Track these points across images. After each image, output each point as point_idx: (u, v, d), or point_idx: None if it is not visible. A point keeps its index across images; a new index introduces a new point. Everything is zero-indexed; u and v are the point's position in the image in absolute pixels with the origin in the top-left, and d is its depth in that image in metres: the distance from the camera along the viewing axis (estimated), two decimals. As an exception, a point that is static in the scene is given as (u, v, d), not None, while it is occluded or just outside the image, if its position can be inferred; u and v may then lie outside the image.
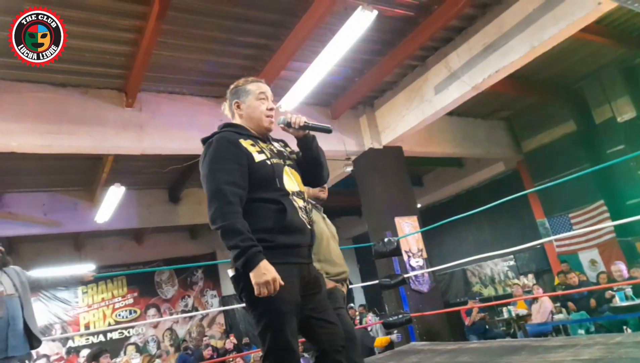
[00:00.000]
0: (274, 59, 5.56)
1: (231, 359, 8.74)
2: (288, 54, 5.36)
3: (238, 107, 1.98)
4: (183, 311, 11.46)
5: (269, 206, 1.77)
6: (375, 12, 4.46)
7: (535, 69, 7.14)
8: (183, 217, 9.50)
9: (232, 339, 9.45)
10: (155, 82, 5.81)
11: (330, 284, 2.52)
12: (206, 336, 10.85)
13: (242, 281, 1.69)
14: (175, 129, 6.03)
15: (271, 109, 1.97)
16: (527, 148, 9.34)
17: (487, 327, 8.06)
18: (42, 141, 5.19)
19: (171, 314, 11.33)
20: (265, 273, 1.61)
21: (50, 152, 5.45)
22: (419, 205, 8.53)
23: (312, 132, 2.04)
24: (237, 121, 1.99)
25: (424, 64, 6.54)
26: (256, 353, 8.79)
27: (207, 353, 8.80)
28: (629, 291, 6.25)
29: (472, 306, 7.58)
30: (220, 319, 11.80)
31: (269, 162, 1.84)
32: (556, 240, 8.87)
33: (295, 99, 5.74)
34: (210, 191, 1.73)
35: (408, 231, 6.90)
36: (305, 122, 1.97)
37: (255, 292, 1.62)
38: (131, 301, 11.18)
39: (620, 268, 6.43)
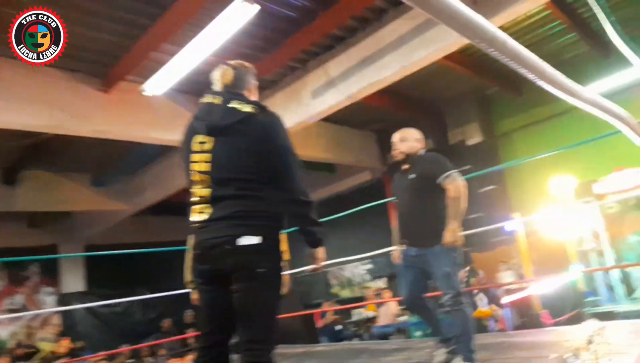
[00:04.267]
0: (143, 38, 5.06)
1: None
2: (160, 34, 4.93)
3: (255, 88, 2.05)
4: (10, 311, 9.89)
5: None
6: (257, 7, 4.32)
7: (407, 87, 7.60)
8: (21, 202, 8.24)
9: (67, 343, 8.34)
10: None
11: None
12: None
13: (273, 250, 1.85)
14: (17, 102, 5.18)
15: None
16: (391, 160, 9.94)
17: (340, 328, 8.37)
18: None
19: (-6, 313, 9.71)
20: None
21: None
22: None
23: None
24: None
25: (304, 68, 6.54)
26: (95, 359, 7.95)
27: None
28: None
29: (325, 310, 7.81)
30: (56, 319, 10.43)
31: None
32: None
33: (164, 84, 5.31)
34: (299, 165, 1.86)
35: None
36: None
37: (320, 263, 2.00)
38: (-58, 297, 9.38)
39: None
